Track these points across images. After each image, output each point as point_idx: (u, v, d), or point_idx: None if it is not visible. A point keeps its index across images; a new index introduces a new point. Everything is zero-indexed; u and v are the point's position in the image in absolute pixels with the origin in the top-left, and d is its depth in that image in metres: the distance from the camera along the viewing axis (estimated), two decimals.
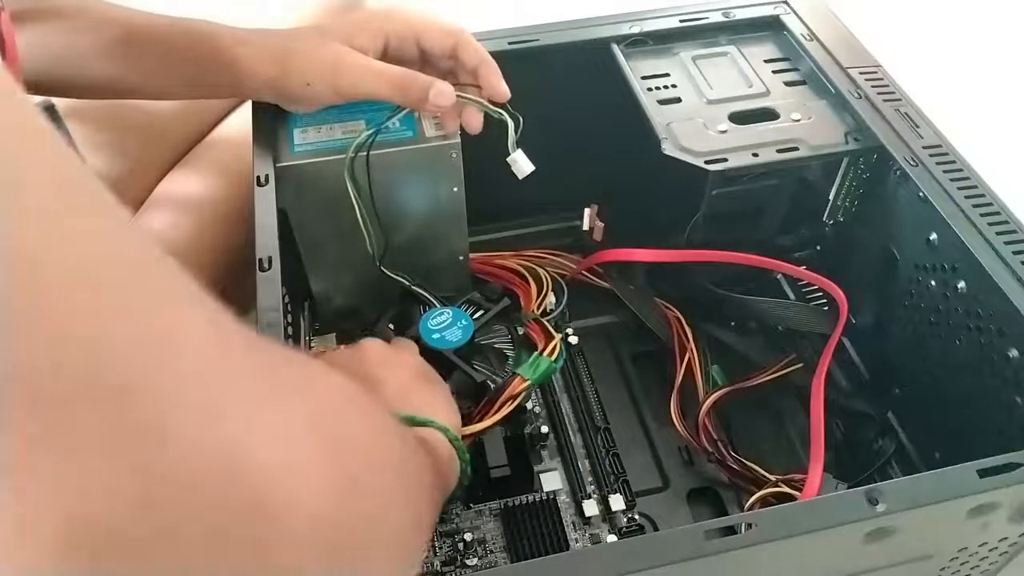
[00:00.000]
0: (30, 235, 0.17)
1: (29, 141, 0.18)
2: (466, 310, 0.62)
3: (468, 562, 0.56)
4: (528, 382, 0.57)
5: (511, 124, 0.52)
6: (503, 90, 0.53)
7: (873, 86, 0.60)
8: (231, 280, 0.68)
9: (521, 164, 0.53)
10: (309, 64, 0.52)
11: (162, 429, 0.19)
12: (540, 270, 0.71)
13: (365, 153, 0.55)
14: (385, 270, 0.61)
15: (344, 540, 0.24)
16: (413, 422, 0.44)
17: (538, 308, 0.67)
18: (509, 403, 0.57)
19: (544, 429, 0.62)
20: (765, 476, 0.59)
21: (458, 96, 0.52)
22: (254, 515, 0.21)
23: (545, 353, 0.60)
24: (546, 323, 0.64)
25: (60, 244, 0.17)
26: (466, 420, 0.56)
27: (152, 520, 0.18)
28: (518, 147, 0.53)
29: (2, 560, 0.17)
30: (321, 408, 0.26)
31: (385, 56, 0.53)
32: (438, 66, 0.55)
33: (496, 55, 0.56)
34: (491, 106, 0.53)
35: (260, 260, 0.48)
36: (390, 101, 0.53)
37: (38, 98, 0.63)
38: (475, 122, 0.54)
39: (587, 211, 0.75)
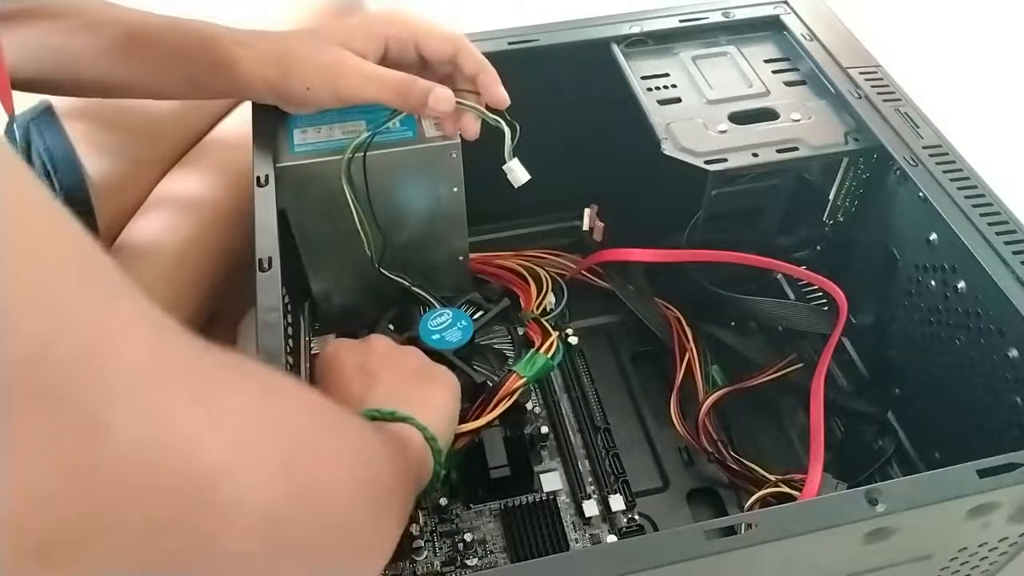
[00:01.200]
0: None
1: None
2: (466, 310, 0.62)
3: (468, 562, 0.56)
4: (524, 379, 0.57)
5: (508, 132, 0.52)
6: (502, 97, 0.53)
7: (873, 86, 0.60)
8: (231, 280, 0.68)
9: (517, 173, 0.53)
10: (309, 68, 0.52)
11: (101, 427, 0.19)
12: (540, 270, 0.71)
13: (362, 154, 0.55)
14: (384, 271, 0.61)
15: (291, 533, 0.25)
16: (393, 417, 0.45)
17: (538, 308, 0.67)
18: (506, 400, 0.57)
19: (544, 429, 0.62)
20: (765, 476, 0.59)
21: (457, 102, 0.52)
22: (196, 509, 0.21)
23: (542, 350, 0.60)
24: (544, 322, 0.64)
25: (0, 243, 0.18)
26: (464, 420, 0.56)
27: (95, 517, 0.19)
28: (515, 156, 0.53)
29: None
30: (272, 410, 0.27)
31: (384, 60, 0.53)
32: (437, 71, 0.55)
33: (496, 55, 0.56)
34: (489, 113, 0.53)
35: (260, 260, 0.48)
36: (390, 106, 0.53)
37: (38, 96, 0.63)
38: (472, 129, 0.55)
39: (587, 211, 0.75)
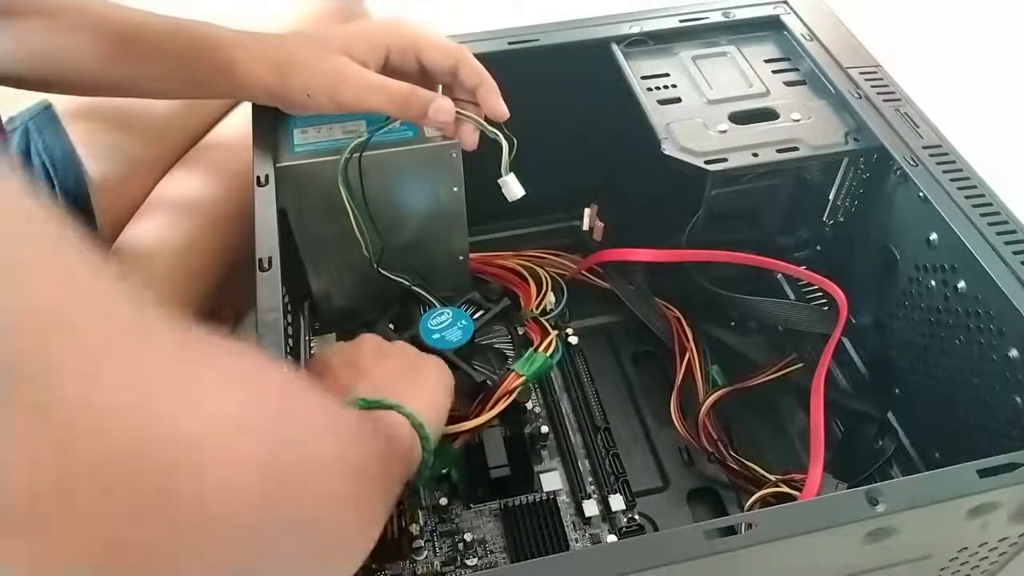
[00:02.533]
0: None
1: None
2: (466, 310, 0.62)
3: (468, 562, 0.56)
4: (523, 377, 0.57)
5: (505, 146, 0.52)
6: (501, 110, 0.53)
7: (873, 86, 0.60)
8: (230, 280, 0.68)
9: (512, 187, 0.53)
10: (310, 75, 0.52)
11: (91, 407, 0.19)
12: (540, 270, 0.71)
13: (359, 156, 0.55)
14: (384, 271, 0.61)
15: (275, 503, 0.25)
16: (380, 405, 0.45)
17: (538, 308, 0.67)
18: (505, 398, 0.57)
19: (544, 429, 0.62)
20: (765, 476, 0.59)
21: (457, 112, 0.53)
22: (181, 474, 0.21)
23: (540, 349, 0.60)
24: (543, 321, 0.64)
25: None
26: (463, 419, 0.56)
27: (76, 485, 0.19)
28: (511, 171, 0.53)
29: None
30: (252, 385, 0.27)
31: (385, 69, 0.54)
32: (437, 81, 0.56)
33: (496, 55, 0.56)
34: (488, 126, 0.53)
35: (260, 260, 0.48)
36: (390, 115, 0.53)
37: (38, 96, 0.63)
38: (471, 140, 0.55)
39: (587, 211, 0.75)
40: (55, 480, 0.18)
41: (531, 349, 0.60)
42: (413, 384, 0.49)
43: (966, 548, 0.47)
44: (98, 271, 0.21)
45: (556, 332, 0.63)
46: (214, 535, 0.22)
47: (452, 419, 0.54)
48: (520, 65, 0.63)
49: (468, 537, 0.57)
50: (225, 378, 0.25)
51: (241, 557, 0.24)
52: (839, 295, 0.60)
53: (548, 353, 0.60)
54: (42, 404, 0.18)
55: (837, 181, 0.62)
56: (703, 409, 0.62)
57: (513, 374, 0.58)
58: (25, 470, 0.18)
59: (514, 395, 0.57)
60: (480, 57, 0.55)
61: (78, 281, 0.21)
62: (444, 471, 0.58)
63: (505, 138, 0.52)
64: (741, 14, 0.68)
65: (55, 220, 0.21)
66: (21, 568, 0.18)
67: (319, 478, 0.29)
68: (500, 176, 0.53)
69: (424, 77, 0.55)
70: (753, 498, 0.57)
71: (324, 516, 0.29)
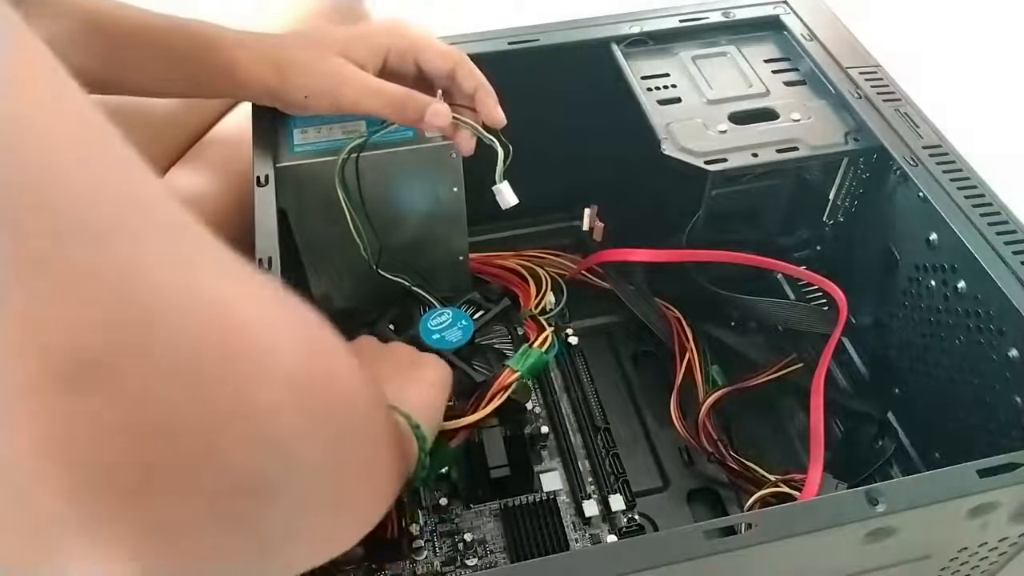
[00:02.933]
0: (23, 104, 0.19)
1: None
2: (466, 310, 0.62)
3: (468, 562, 0.56)
4: (518, 373, 0.57)
5: (501, 154, 0.52)
6: (499, 117, 0.53)
7: (873, 86, 0.60)
8: None
9: (506, 195, 0.53)
10: (309, 77, 0.52)
11: (139, 269, 0.20)
12: (540, 270, 0.71)
13: (356, 156, 0.55)
14: (383, 272, 0.61)
15: (316, 401, 0.25)
16: None
17: (537, 308, 0.67)
18: (500, 395, 0.57)
19: (544, 429, 0.62)
20: (765, 476, 0.59)
21: (454, 118, 0.53)
22: (229, 356, 0.21)
23: (535, 345, 0.60)
24: (541, 319, 0.64)
25: (53, 113, 0.20)
26: (460, 415, 0.56)
27: (130, 354, 0.19)
28: (505, 179, 0.53)
29: None
30: (291, 300, 0.27)
31: (383, 71, 0.54)
32: (435, 84, 0.56)
33: (496, 55, 0.56)
34: (484, 132, 0.54)
35: (260, 260, 0.48)
36: (387, 119, 0.53)
37: None
38: (468, 146, 0.55)
39: (587, 211, 0.75)
40: (95, 339, 0.19)
41: (525, 345, 0.60)
42: (409, 383, 0.49)
43: (966, 548, 0.47)
44: (147, 172, 0.23)
45: (552, 328, 0.63)
46: (247, 420, 0.22)
47: (448, 417, 0.54)
48: (520, 65, 0.63)
49: (468, 537, 0.57)
50: (268, 286, 0.26)
51: (269, 457, 0.23)
52: (839, 295, 0.60)
53: (543, 349, 0.60)
54: (91, 262, 0.19)
55: (837, 181, 0.62)
56: (703, 409, 0.62)
57: (508, 370, 0.58)
58: (76, 328, 0.18)
59: (509, 391, 0.57)
60: (480, 57, 0.55)
61: (136, 172, 0.22)
62: (443, 470, 0.58)
63: (501, 145, 0.53)
64: (741, 14, 0.68)
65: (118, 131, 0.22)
66: (62, 427, 0.18)
67: (354, 392, 0.28)
68: (494, 185, 0.53)
69: (422, 80, 0.55)
70: (753, 498, 0.57)
71: (357, 429, 0.28)
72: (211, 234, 0.24)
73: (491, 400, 0.57)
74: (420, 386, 0.50)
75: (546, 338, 0.61)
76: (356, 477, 0.29)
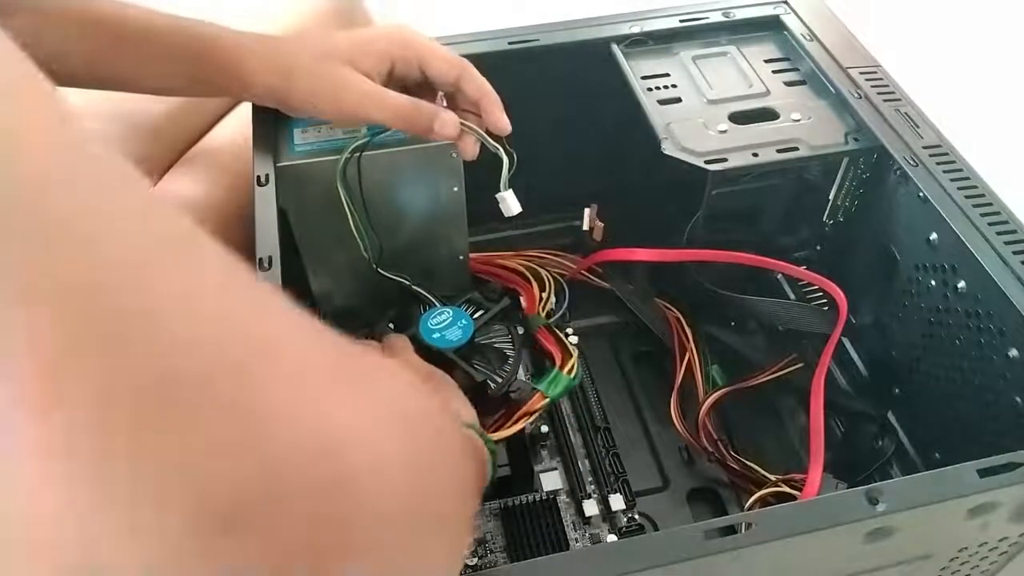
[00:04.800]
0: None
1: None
2: (466, 310, 0.62)
3: (468, 562, 0.56)
4: (548, 399, 0.58)
5: (506, 162, 0.52)
6: (504, 125, 0.53)
7: (873, 86, 0.60)
8: None
9: (510, 204, 0.53)
10: (314, 85, 0.52)
11: (271, 411, 0.21)
12: (541, 270, 0.71)
13: (358, 156, 0.55)
14: (383, 271, 0.61)
15: (415, 503, 0.26)
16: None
17: (542, 310, 0.67)
18: (526, 418, 0.57)
19: (544, 429, 0.62)
20: (765, 476, 0.59)
21: (460, 124, 0.53)
22: (345, 488, 0.22)
23: (564, 371, 0.60)
24: (559, 334, 0.64)
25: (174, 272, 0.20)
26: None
27: (268, 495, 0.20)
28: (509, 187, 0.53)
29: (139, 541, 0.18)
30: (386, 390, 0.28)
31: (389, 78, 0.54)
32: (439, 90, 0.56)
33: (496, 55, 0.56)
34: (489, 139, 0.54)
35: (260, 260, 0.48)
36: (394, 128, 0.53)
37: None
38: (472, 151, 0.55)
39: (587, 211, 0.75)
40: (257, 479, 0.20)
41: (555, 370, 0.60)
42: (443, 393, 0.50)
43: (966, 548, 0.47)
44: (268, 294, 0.24)
45: (577, 351, 0.63)
46: (373, 528, 0.23)
47: None
48: (520, 65, 0.63)
49: None
50: (381, 396, 0.27)
51: (395, 552, 0.24)
52: (839, 295, 0.60)
53: (572, 376, 0.60)
54: (238, 406, 0.20)
55: (837, 181, 0.62)
56: (703, 409, 0.62)
57: (539, 395, 0.58)
58: (229, 471, 0.19)
59: (535, 416, 0.57)
60: (480, 57, 0.55)
61: (257, 309, 0.23)
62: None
63: (506, 153, 0.53)
64: (741, 14, 0.68)
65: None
66: (229, 569, 0.19)
67: (442, 497, 0.29)
68: (498, 191, 0.53)
69: (426, 85, 0.55)
70: (753, 498, 0.57)
71: (438, 535, 0.29)
72: (330, 340, 0.25)
73: (517, 421, 0.56)
74: (455, 391, 0.51)
75: (572, 365, 0.61)
76: (455, 513, 0.30)
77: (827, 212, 0.65)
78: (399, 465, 0.25)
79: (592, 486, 0.61)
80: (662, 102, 0.62)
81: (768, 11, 0.68)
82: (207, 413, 0.19)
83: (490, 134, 0.54)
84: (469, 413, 0.49)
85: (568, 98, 0.67)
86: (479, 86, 0.54)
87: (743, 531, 0.38)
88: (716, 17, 0.67)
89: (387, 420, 0.26)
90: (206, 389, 0.19)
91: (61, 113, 0.20)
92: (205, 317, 0.20)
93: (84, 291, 0.18)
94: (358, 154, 0.55)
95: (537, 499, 0.59)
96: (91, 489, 0.18)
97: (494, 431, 0.56)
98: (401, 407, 0.28)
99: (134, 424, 0.18)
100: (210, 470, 0.19)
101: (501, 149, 0.53)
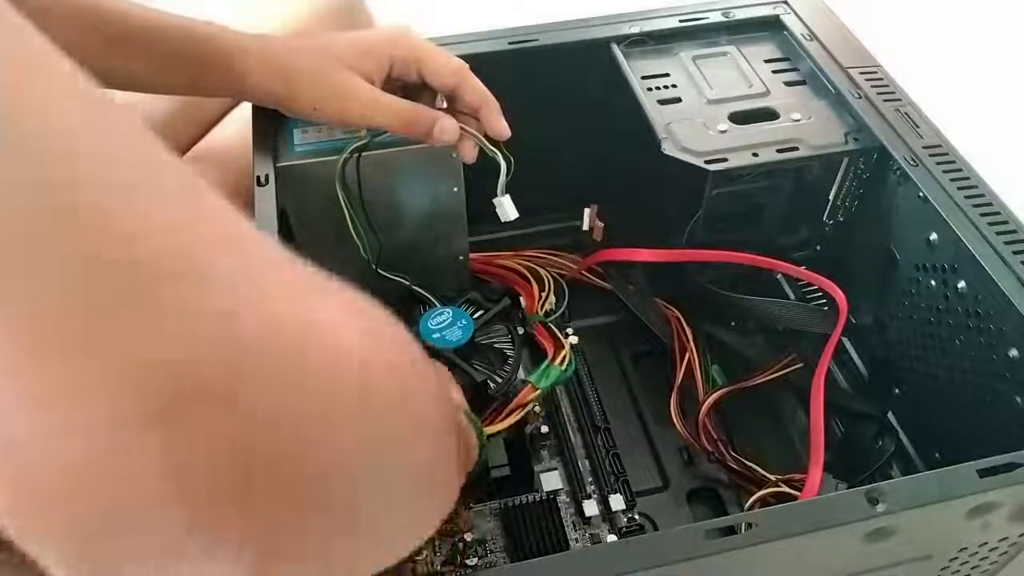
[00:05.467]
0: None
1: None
2: (466, 310, 0.62)
3: (468, 562, 0.56)
4: (539, 391, 0.58)
5: (504, 167, 0.52)
6: (503, 130, 0.54)
7: (873, 86, 0.60)
8: None
9: (507, 209, 0.53)
10: (316, 89, 0.52)
11: (254, 304, 0.22)
12: (541, 270, 0.71)
13: (357, 157, 0.55)
14: (383, 272, 0.61)
15: (413, 403, 0.27)
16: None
17: (541, 309, 0.67)
18: (518, 411, 0.57)
19: (544, 429, 0.62)
20: (765, 476, 0.59)
21: (460, 128, 0.53)
22: (331, 373, 0.23)
23: (556, 362, 0.60)
24: (554, 329, 0.64)
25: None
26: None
27: (245, 377, 0.20)
28: (507, 192, 0.53)
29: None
30: (371, 309, 0.30)
31: (388, 81, 0.54)
32: (438, 91, 0.56)
33: (496, 55, 0.56)
34: (488, 143, 0.54)
35: None
36: (395, 133, 0.53)
37: None
38: (471, 154, 0.55)
39: (587, 211, 0.75)
40: (228, 355, 0.20)
41: (546, 362, 0.60)
42: (446, 380, 0.50)
43: (966, 548, 0.47)
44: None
45: (569, 344, 0.63)
46: (354, 423, 0.23)
47: None
48: (520, 65, 0.63)
49: (468, 537, 0.57)
50: (353, 300, 0.29)
51: (372, 457, 0.24)
52: (839, 295, 0.60)
53: (563, 367, 0.60)
54: (200, 303, 0.20)
55: (837, 181, 0.62)
56: (703, 409, 0.62)
57: (529, 387, 0.58)
58: (209, 343, 0.20)
59: (527, 408, 0.57)
60: (480, 57, 0.55)
61: (232, 218, 0.24)
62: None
63: (504, 157, 0.53)
64: (741, 14, 0.68)
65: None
66: (181, 447, 0.19)
67: (423, 401, 0.29)
68: (495, 196, 0.53)
69: (424, 87, 0.55)
70: (753, 498, 0.57)
71: (423, 437, 0.29)
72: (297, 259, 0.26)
73: (508, 415, 0.57)
74: (451, 378, 0.50)
75: (565, 355, 0.61)
76: (439, 470, 0.30)
77: (827, 212, 0.65)
78: (385, 373, 0.26)
79: (592, 486, 0.61)
80: (662, 102, 0.62)
81: (768, 11, 0.68)
82: (166, 307, 0.19)
83: (489, 138, 0.54)
84: (460, 399, 0.49)
85: (568, 98, 0.67)
86: (478, 91, 0.54)
87: (743, 531, 0.38)
88: (716, 17, 0.67)
89: (367, 333, 0.27)
90: (170, 285, 0.19)
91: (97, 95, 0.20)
92: (170, 222, 0.20)
93: (41, 187, 0.18)
94: (358, 155, 0.55)
95: (537, 499, 0.59)
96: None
97: (487, 425, 0.56)
98: (389, 333, 0.29)
99: (88, 316, 0.18)
100: (170, 356, 0.19)
101: (499, 154, 0.53)
